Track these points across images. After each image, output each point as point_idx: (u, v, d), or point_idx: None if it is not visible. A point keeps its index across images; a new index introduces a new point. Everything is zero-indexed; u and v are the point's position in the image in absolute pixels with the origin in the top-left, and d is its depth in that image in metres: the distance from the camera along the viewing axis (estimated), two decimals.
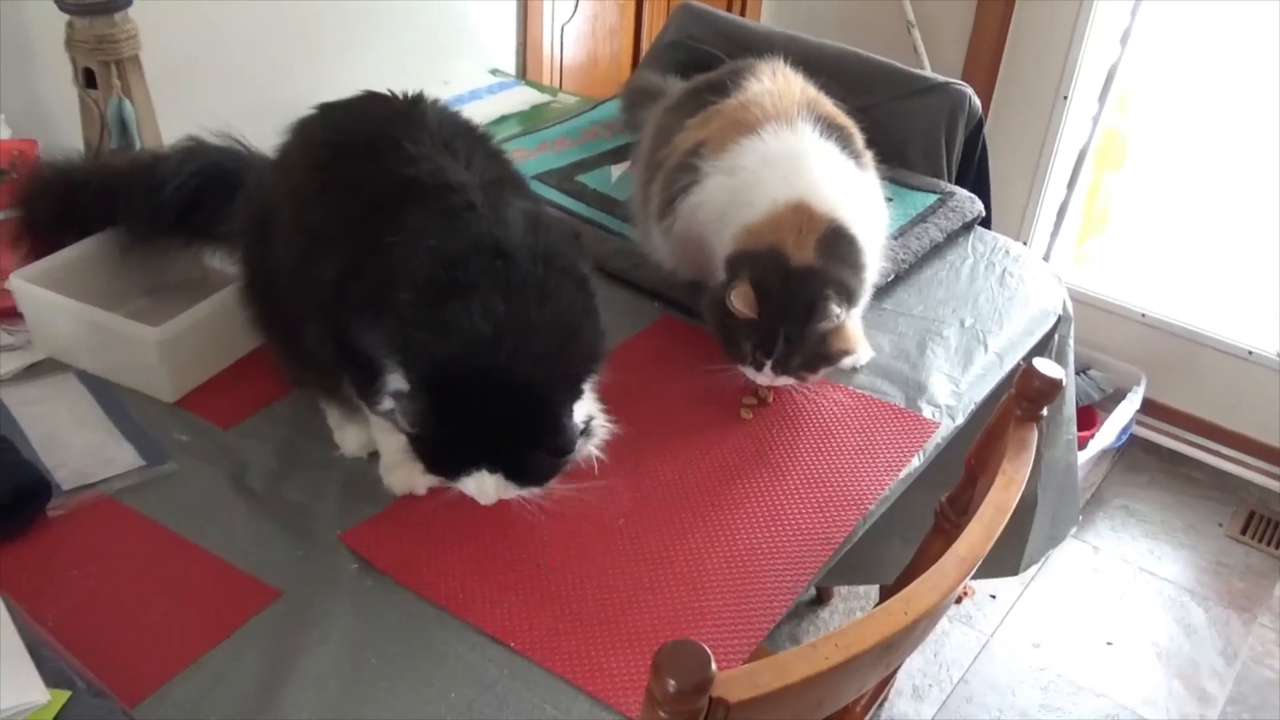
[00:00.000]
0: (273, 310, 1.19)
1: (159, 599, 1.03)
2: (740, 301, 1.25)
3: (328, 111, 1.19)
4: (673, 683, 0.73)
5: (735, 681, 0.78)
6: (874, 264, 1.38)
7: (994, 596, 2.42)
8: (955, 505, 1.26)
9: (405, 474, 1.14)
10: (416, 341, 0.99)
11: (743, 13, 2.83)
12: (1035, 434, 1.11)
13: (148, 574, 1.05)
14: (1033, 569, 2.45)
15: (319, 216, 1.10)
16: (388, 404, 1.03)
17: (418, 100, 1.17)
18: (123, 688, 0.91)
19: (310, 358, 1.14)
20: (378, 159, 1.09)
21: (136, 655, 0.97)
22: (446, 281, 1.00)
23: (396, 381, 1.01)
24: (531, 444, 1.02)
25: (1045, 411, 1.13)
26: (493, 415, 0.99)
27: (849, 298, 1.28)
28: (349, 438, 1.20)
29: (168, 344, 1.23)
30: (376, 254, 1.03)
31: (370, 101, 1.18)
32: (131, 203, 1.34)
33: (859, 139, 1.49)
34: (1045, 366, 1.11)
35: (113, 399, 1.26)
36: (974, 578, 2.28)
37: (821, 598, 2.33)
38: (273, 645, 0.98)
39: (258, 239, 1.18)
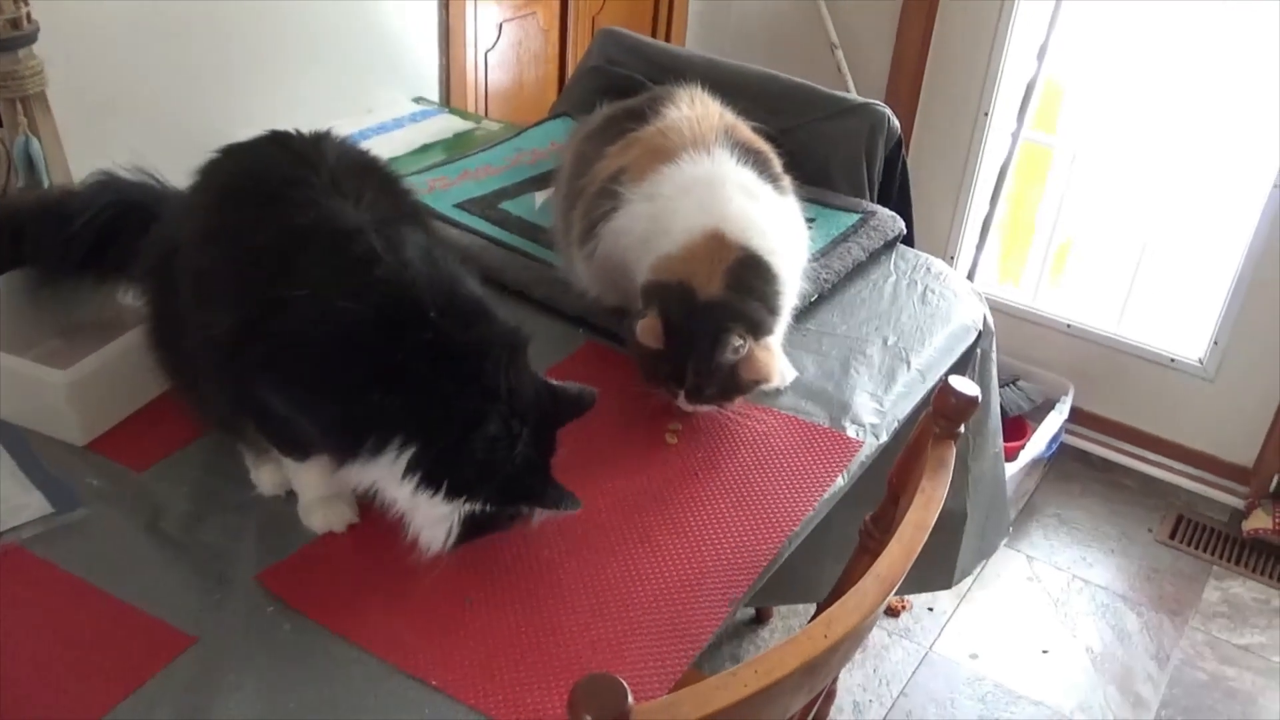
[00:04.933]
0: (179, 354, 1.17)
1: (69, 650, 1.00)
2: (646, 334, 1.26)
3: (229, 154, 1.16)
4: (589, 718, 0.72)
5: (653, 714, 0.78)
6: (791, 290, 1.38)
7: (931, 609, 2.44)
8: (879, 524, 1.26)
9: (324, 513, 1.13)
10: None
11: (666, 37, 2.85)
12: (953, 452, 1.12)
13: (58, 625, 1.02)
14: (968, 580, 2.48)
15: (207, 264, 1.08)
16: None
17: (319, 139, 1.15)
18: None
19: None
20: (266, 205, 1.07)
21: (46, 710, 0.94)
22: (399, 360, 0.99)
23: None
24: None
25: (964, 428, 1.14)
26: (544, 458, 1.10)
27: (755, 329, 1.28)
28: (264, 477, 1.18)
29: (76, 386, 1.20)
30: (277, 312, 1.00)
31: (270, 143, 1.15)
32: (39, 240, 1.31)
33: (777, 163, 1.50)
34: (961, 384, 1.12)
35: (21, 444, 1.22)
36: (907, 592, 2.32)
37: (761, 617, 2.34)
38: (187, 694, 0.96)
39: (163, 281, 1.16)
